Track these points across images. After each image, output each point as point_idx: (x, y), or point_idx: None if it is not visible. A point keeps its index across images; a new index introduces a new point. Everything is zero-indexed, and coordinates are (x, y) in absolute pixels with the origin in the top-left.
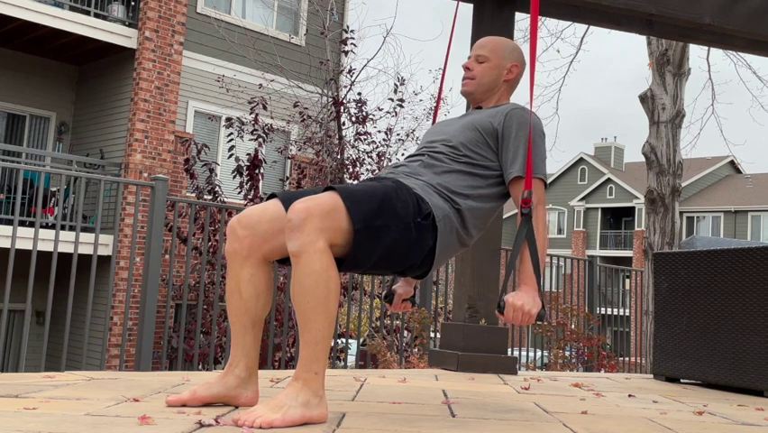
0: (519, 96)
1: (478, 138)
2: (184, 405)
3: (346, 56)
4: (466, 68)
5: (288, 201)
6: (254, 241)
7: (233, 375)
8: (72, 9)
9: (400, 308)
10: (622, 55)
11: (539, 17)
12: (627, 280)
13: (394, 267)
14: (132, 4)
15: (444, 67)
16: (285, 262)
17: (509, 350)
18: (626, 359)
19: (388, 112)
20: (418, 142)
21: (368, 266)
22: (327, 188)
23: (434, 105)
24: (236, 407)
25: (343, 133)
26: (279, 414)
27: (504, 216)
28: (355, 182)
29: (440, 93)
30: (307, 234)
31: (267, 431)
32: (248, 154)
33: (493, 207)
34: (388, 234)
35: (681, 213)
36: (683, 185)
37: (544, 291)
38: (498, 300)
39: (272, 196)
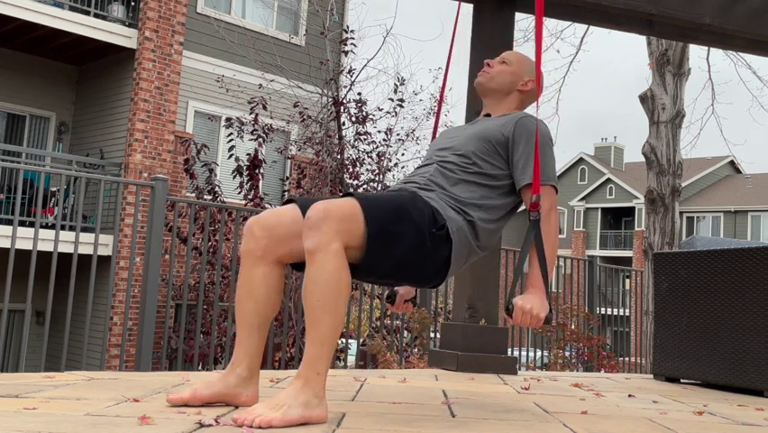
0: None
1: (488, 147)
2: (185, 404)
3: (346, 56)
4: (487, 63)
5: (305, 207)
6: (270, 243)
7: (235, 374)
8: (72, 9)
9: (402, 308)
10: (622, 56)
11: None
12: (627, 281)
13: (407, 277)
14: (132, 4)
15: (447, 67)
16: (298, 267)
17: (509, 350)
18: (626, 359)
19: (387, 112)
20: (418, 141)
21: (381, 273)
22: (346, 195)
23: (435, 105)
24: (236, 407)
25: (343, 133)
26: (279, 413)
27: None
28: (360, 184)
29: (442, 94)
30: (324, 233)
31: (265, 431)
32: (248, 154)
33: (504, 217)
34: (403, 241)
35: (681, 213)
36: (683, 185)
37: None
38: (506, 303)
39: (290, 201)
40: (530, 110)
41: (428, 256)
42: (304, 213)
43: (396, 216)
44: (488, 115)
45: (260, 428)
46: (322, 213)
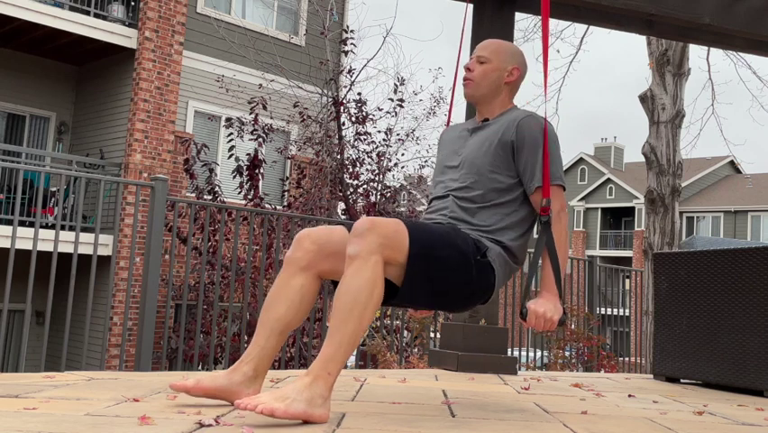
0: (523, 96)
1: (495, 159)
2: (187, 392)
3: (346, 56)
4: (467, 68)
5: None
6: (317, 256)
7: (241, 372)
8: (72, 9)
9: (423, 312)
10: (622, 56)
11: (540, 17)
12: (627, 281)
13: (452, 304)
14: (132, 4)
15: (456, 72)
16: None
17: (509, 350)
18: (626, 359)
19: (387, 112)
20: (418, 141)
21: (421, 298)
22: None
23: (434, 104)
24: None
25: (343, 133)
26: (283, 405)
27: None
28: (360, 184)
29: (451, 102)
30: (368, 243)
31: (266, 430)
32: (248, 154)
33: (531, 228)
34: (447, 267)
35: (680, 213)
36: (683, 185)
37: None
38: (520, 307)
39: (340, 224)
40: (521, 100)
41: (473, 282)
42: None
43: (441, 241)
44: (485, 120)
45: (261, 414)
46: (368, 224)
